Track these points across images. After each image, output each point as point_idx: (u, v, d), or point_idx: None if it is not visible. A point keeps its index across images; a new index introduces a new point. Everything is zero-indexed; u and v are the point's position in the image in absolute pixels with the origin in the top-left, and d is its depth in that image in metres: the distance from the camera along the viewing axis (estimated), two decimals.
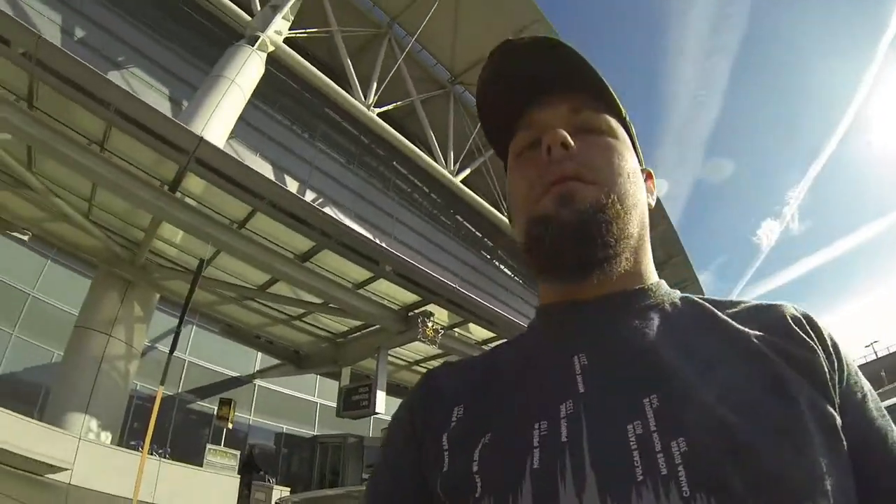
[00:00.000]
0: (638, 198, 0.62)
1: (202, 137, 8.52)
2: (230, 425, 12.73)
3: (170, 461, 10.84)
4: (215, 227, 9.15)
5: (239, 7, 14.01)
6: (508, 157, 0.69)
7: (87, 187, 9.23)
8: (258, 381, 17.02)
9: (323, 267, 10.19)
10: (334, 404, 12.72)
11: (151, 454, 10.69)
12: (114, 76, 13.23)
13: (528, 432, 0.51)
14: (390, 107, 16.49)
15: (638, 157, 0.67)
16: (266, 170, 14.97)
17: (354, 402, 11.49)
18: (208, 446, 12.07)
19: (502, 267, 25.26)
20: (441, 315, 11.07)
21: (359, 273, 10.24)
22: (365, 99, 15.87)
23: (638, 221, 0.61)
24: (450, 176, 18.77)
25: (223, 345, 15.68)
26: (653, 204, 0.68)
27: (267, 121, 16.44)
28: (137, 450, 9.81)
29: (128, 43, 14.36)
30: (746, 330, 0.54)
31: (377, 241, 10.82)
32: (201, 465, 11.25)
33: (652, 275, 0.64)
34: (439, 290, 10.60)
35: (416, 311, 10.78)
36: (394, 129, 16.39)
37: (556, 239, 0.56)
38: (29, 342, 13.89)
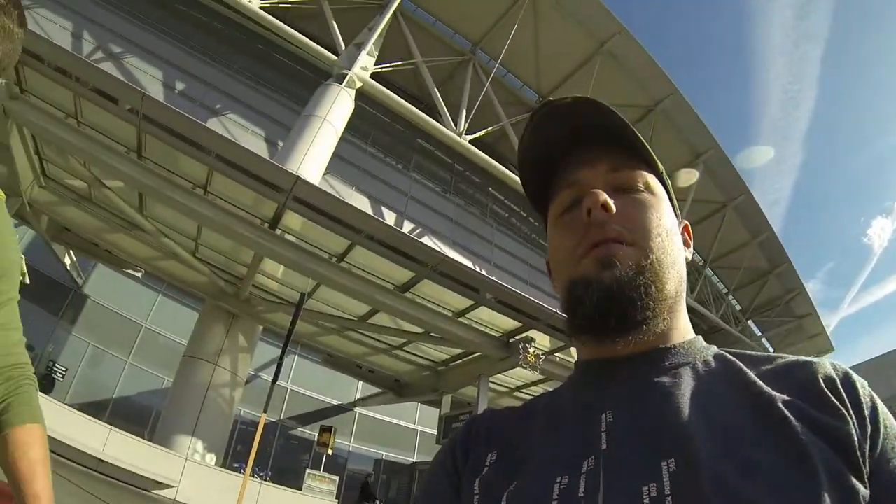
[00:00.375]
0: (675, 255, 0.63)
1: (298, 176, 8.71)
2: (330, 451, 12.87)
3: (270, 484, 11.15)
4: (315, 261, 9.29)
5: (325, 48, 14.47)
6: (549, 215, 0.70)
7: (194, 227, 9.72)
8: (359, 409, 17.17)
9: (423, 297, 10.07)
10: (434, 432, 12.47)
11: (253, 476, 10.99)
12: (212, 123, 14.08)
13: (550, 485, 0.52)
14: (481, 133, 16.34)
15: (675, 210, 0.68)
16: (363, 203, 15.22)
17: (455, 429, 11.13)
18: (308, 471, 12.27)
19: None
20: (542, 340, 10.71)
21: (459, 301, 10.07)
22: (455, 127, 15.81)
23: (676, 279, 0.61)
24: None
25: (325, 374, 16.04)
26: (689, 257, 0.68)
27: (361, 155, 16.82)
28: (240, 471, 10.15)
29: (224, 91, 15.27)
30: (774, 393, 0.53)
31: (477, 269, 10.60)
32: (300, 489, 11.40)
33: (686, 332, 0.64)
34: (540, 315, 10.22)
35: (517, 336, 10.48)
36: (487, 154, 16.20)
37: (598, 302, 0.57)
38: (142, 369, 15.18)
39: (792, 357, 0.58)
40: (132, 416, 14.38)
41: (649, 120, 18.33)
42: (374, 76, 14.88)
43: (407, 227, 16.25)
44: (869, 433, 0.50)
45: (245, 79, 16.04)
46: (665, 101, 18.20)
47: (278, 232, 9.32)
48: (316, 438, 13.78)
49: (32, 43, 8.13)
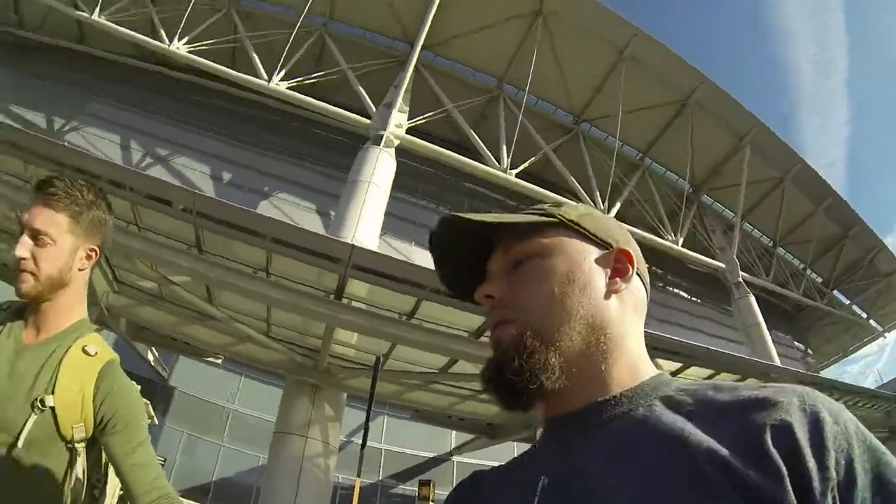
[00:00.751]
0: (570, 311, 0.62)
1: (353, 245, 8.88)
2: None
3: None
4: (385, 322, 9.27)
5: (357, 114, 14.85)
6: None
7: (263, 309, 9.92)
8: (455, 458, 16.82)
9: None
10: None
11: None
12: (264, 206, 14.58)
13: None
14: (525, 164, 16.21)
15: (598, 241, 0.67)
16: (423, 256, 15.19)
17: None
18: None
19: (678, 291, 23.83)
20: None
21: None
22: (499, 164, 15.75)
23: (578, 334, 0.61)
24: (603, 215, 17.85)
25: (417, 429, 15.95)
26: (624, 287, 0.66)
27: (412, 208, 17.05)
28: None
29: (269, 173, 15.85)
30: (706, 446, 0.51)
31: None
32: None
33: (633, 375, 0.62)
34: None
35: None
36: (535, 184, 16.02)
37: (489, 377, 0.63)
38: (236, 450, 15.69)
39: (755, 391, 0.54)
40: (234, 496, 15.01)
41: (686, 115, 18.03)
42: (409, 131, 15.10)
43: None
44: (836, 486, 0.47)
45: (288, 157, 16.67)
46: (696, 91, 17.79)
47: (345, 301, 9.31)
48: (416, 493, 13.51)
49: (89, 164, 8.59)
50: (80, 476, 1.13)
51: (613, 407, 0.59)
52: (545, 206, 0.70)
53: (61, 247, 1.15)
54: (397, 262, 9.20)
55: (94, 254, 1.24)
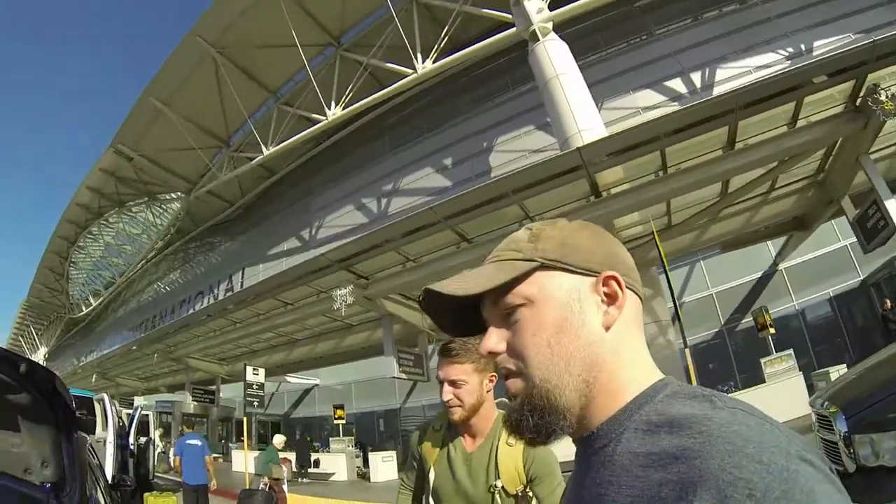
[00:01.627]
0: (567, 357, 0.63)
1: (578, 149, 9.29)
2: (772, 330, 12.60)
3: None
4: (647, 188, 9.69)
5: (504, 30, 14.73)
6: None
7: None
8: (782, 266, 15.92)
9: (752, 136, 9.48)
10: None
11: None
12: (495, 157, 15.28)
13: None
14: None
15: (584, 272, 0.67)
16: (647, 97, 14.84)
17: (871, 228, 9.61)
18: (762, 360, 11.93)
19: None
20: (893, 78, 8.69)
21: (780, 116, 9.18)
22: None
23: (575, 380, 0.63)
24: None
25: (732, 258, 15.53)
26: (617, 314, 0.66)
27: (609, 60, 16.46)
28: None
29: (479, 131, 16.53)
30: (655, 477, 0.53)
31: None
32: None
33: (614, 402, 0.63)
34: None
35: (860, 95, 8.73)
36: None
37: (513, 429, 0.66)
38: None
39: (688, 446, 0.52)
40: None
41: None
42: (552, 6, 14.42)
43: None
44: None
45: (473, 111, 17.39)
46: None
47: (604, 195, 9.80)
48: (755, 323, 13.57)
49: None
50: None
51: (596, 439, 0.63)
52: (521, 243, 0.69)
53: (473, 384, 1.68)
54: (621, 134, 9.31)
55: (494, 378, 1.72)
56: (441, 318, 0.75)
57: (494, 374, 1.71)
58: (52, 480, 2.21)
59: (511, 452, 1.67)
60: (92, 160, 26.06)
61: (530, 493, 1.65)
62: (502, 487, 1.64)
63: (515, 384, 0.66)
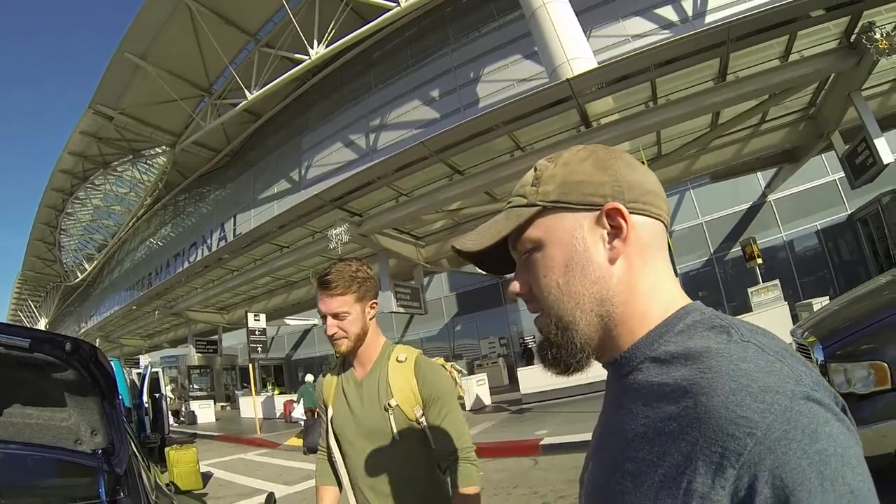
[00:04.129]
0: (577, 296, 0.65)
1: (567, 80, 9.17)
2: (759, 261, 12.84)
3: None
4: (637, 119, 9.72)
5: None
6: None
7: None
8: (771, 197, 16.03)
9: (743, 68, 9.45)
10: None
11: None
12: (483, 87, 15.08)
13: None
14: None
15: (586, 207, 0.66)
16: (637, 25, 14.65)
17: (860, 165, 9.72)
18: (748, 290, 12.16)
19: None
20: (889, 16, 8.55)
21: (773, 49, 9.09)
22: None
23: (588, 314, 0.65)
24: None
25: (723, 188, 15.61)
26: (622, 246, 0.65)
27: None
28: None
29: (468, 60, 16.23)
30: (666, 409, 0.55)
31: None
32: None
33: (638, 326, 0.65)
34: None
35: (855, 31, 8.66)
36: None
37: (541, 361, 0.70)
38: None
39: (706, 380, 0.53)
40: None
41: None
42: None
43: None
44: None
45: (457, 42, 17.05)
46: None
47: (594, 125, 9.78)
48: (742, 253, 13.70)
49: None
50: (426, 439, 1.64)
51: (623, 364, 0.65)
52: (526, 188, 0.71)
53: (355, 313, 1.64)
54: (611, 65, 9.21)
55: (375, 305, 1.73)
56: (482, 264, 0.78)
57: (376, 300, 1.74)
58: (102, 447, 2.33)
59: (402, 370, 1.67)
60: (72, 124, 25.57)
61: (423, 421, 1.64)
62: (397, 406, 1.62)
63: (538, 321, 0.70)
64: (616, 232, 0.65)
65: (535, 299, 0.69)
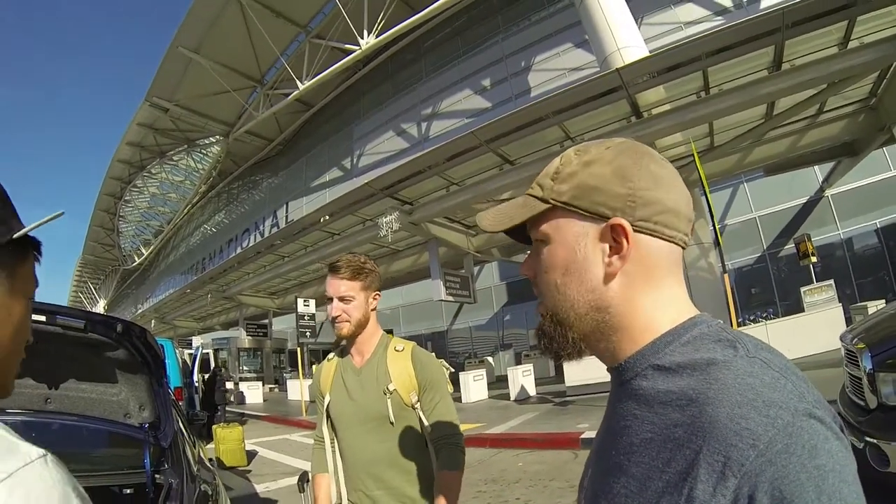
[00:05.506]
0: (572, 293, 0.66)
1: (617, 70, 9.13)
2: (814, 259, 12.38)
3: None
4: (689, 109, 9.51)
5: None
6: None
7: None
8: (828, 192, 15.45)
9: (798, 56, 9.15)
10: None
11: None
12: (534, 76, 14.99)
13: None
14: None
15: (594, 216, 0.65)
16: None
17: None
18: (802, 290, 11.80)
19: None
20: None
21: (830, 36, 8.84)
22: None
23: (583, 316, 0.66)
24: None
25: (778, 182, 15.06)
26: (620, 265, 0.64)
27: None
28: None
29: (517, 50, 16.22)
30: (671, 417, 0.56)
31: None
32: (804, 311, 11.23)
33: (641, 335, 0.64)
34: None
35: None
36: None
37: (536, 346, 0.84)
38: None
39: (713, 391, 0.54)
40: None
41: None
42: None
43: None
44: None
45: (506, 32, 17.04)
46: None
47: (645, 115, 9.69)
48: (796, 251, 13.24)
49: None
50: (420, 423, 1.74)
51: (624, 372, 0.65)
52: (546, 179, 0.70)
53: (360, 300, 1.76)
54: (662, 53, 9.11)
55: (378, 296, 1.84)
56: (512, 234, 0.78)
57: (379, 293, 1.85)
58: (149, 421, 2.55)
59: (400, 358, 1.76)
60: (129, 117, 26.77)
61: (417, 407, 1.72)
62: (395, 391, 1.70)
63: (538, 307, 0.72)
64: (617, 249, 0.64)
65: (537, 287, 0.71)
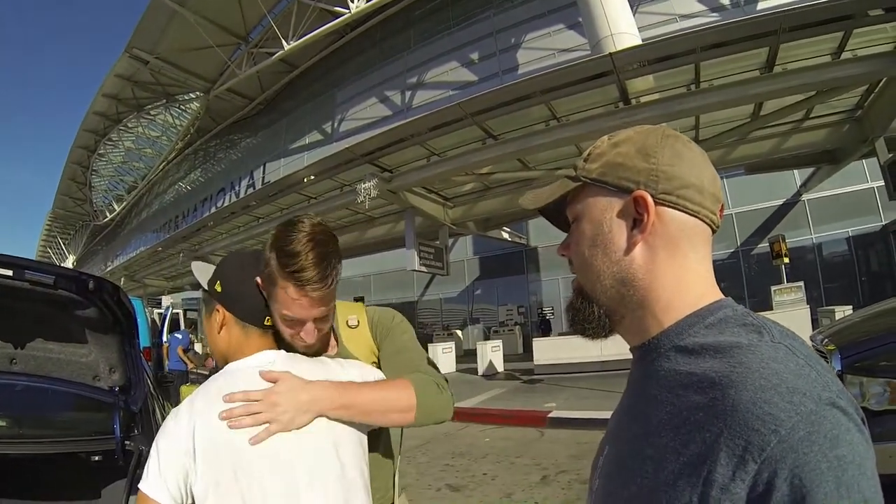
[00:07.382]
0: (598, 271, 0.69)
1: (610, 54, 9.07)
2: (786, 260, 12.55)
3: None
4: (677, 100, 9.61)
5: None
6: None
7: (554, 153, 10.88)
8: (805, 196, 15.76)
9: (792, 60, 9.12)
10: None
11: None
12: (523, 54, 14.80)
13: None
14: None
15: (620, 190, 0.68)
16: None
17: None
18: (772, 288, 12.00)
19: None
20: None
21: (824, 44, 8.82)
22: None
23: (609, 290, 0.68)
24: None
25: (757, 181, 15.25)
26: (641, 237, 0.66)
27: None
28: None
29: (511, 25, 16.03)
30: (692, 399, 0.56)
31: None
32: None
33: (665, 315, 0.65)
34: None
35: None
36: None
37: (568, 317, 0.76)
38: None
39: (736, 374, 0.54)
40: None
41: None
42: None
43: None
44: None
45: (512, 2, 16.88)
46: None
47: (633, 103, 9.67)
48: (770, 251, 13.40)
49: None
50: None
51: (649, 351, 0.66)
52: (580, 160, 0.74)
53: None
54: (655, 43, 9.06)
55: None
56: (552, 220, 0.83)
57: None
58: (120, 384, 2.40)
59: (356, 335, 1.47)
60: (107, 67, 25.92)
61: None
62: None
63: (573, 283, 0.75)
64: (640, 221, 0.66)
65: (572, 263, 0.74)
